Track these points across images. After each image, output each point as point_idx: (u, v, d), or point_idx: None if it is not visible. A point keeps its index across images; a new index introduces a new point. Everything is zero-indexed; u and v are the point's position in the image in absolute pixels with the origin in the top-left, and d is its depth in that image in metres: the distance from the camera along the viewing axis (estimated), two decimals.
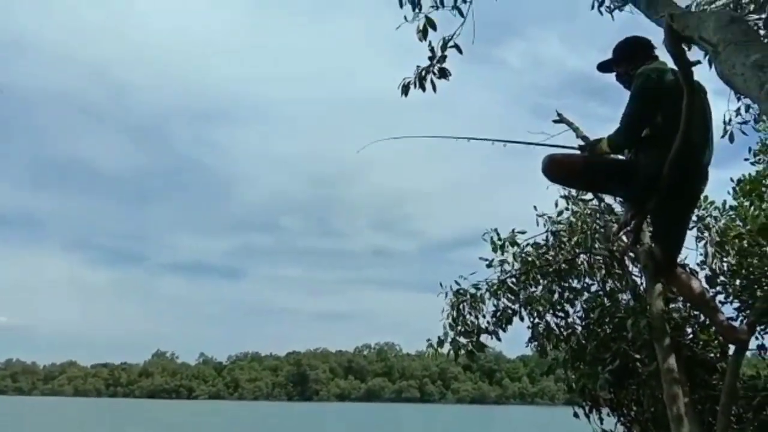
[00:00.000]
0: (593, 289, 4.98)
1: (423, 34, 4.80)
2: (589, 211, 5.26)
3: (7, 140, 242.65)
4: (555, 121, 4.78)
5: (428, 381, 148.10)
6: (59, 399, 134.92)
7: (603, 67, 4.00)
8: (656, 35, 3.59)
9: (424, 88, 5.10)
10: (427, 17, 4.78)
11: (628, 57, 3.79)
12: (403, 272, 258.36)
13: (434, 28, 4.84)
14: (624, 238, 4.44)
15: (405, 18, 4.78)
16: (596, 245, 4.97)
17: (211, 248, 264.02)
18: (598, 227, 4.98)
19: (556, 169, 3.75)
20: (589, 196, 5.23)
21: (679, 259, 3.94)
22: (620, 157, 3.86)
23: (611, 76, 3.94)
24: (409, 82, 5.08)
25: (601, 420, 4.49)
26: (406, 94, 5.15)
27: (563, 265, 5.18)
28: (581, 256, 5.24)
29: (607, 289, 4.84)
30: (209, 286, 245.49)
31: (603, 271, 4.92)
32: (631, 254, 4.43)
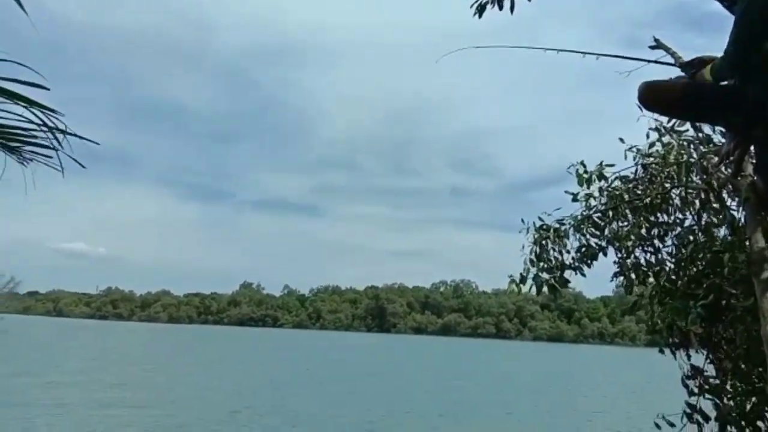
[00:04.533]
0: (686, 223, 4.75)
1: None
2: (684, 142, 4.97)
3: (100, 81, 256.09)
4: (651, 47, 4.47)
5: (505, 318, 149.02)
6: (156, 325, 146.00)
7: None
8: None
9: (501, 6, 4.87)
10: None
11: None
12: (480, 212, 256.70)
13: None
14: (723, 169, 4.18)
15: None
16: (692, 178, 4.71)
17: (292, 186, 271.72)
18: (694, 159, 4.71)
19: (654, 96, 3.53)
20: (684, 126, 4.92)
21: None
22: (724, 83, 3.59)
23: (710, 2, 3.62)
24: (485, 2, 4.87)
25: (689, 357, 4.38)
26: (480, 15, 4.93)
27: (654, 200, 4.96)
28: (675, 189, 4.99)
29: (702, 223, 4.60)
30: (291, 222, 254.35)
31: (698, 205, 4.67)
32: (731, 187, 4.18)
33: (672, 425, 3.99)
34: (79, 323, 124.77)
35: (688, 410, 4.02)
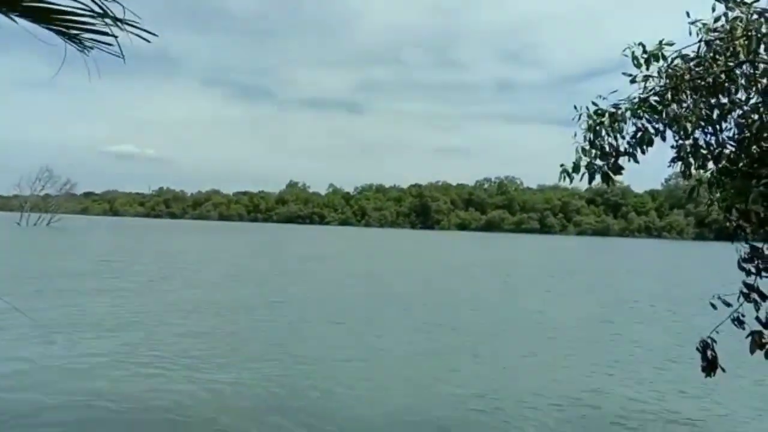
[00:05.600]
0: (752, 102, 4.51)
1: None
2: (754, 15, 4.61)
3: None
4: None
5: (549, 213, 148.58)
6: (208, 222, 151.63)
7: None
8: None
9: None
10: None
11: None
12: (527, 105, 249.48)
13: None
14: None
15: None
16: (760, 52, 4.42)
17: (335, 83, 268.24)
18: (764, 32, 4.39)
19: None
20: None
21: None
22: None
23: None
24: None
25: (746, 239, 4.33)
26: None
27: (718, 78, 4.70)
28: (740, 67, 4.71)
29: None
30: (334, 120, 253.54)
31: (765, 82, 4.41)
32: None
33: (728, 305, 4.02)
34: (137, 222, 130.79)
35: (745, 290, 4.03)
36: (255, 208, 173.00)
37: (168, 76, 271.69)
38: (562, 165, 5.18)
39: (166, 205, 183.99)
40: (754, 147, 4.27)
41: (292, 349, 13.16)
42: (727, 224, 4.72)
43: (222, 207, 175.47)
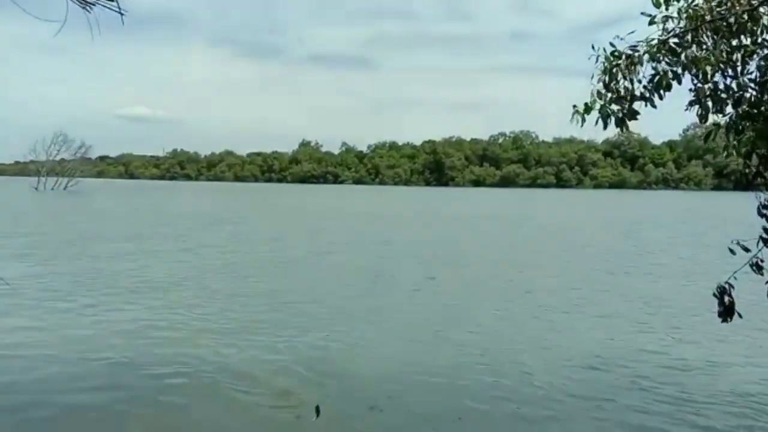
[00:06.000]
0: None
1: None
2: None
3: None
4: None
5: (565, 167, 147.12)
6: (223, 183, 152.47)
7: None
8: None
9: None
10: None
11: None
12: (541, 57, 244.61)
13: None
14: None
15: None
16: None
17: (345, 38, 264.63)
18: None
19: None
20: None
21: None
22: None
23: None
24: None
25: (767, 186, 4.24)
26: None
27: (740, 18, 4.53)
28: (764, 6, 4.52)
29: None
30: (346, 77, 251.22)
31: None
32: None
33: (747, 250, 3.97)
34: (155, 184, 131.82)
35: (765, 235, 3.96)
36: (269, 169, 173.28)
37: (177, 37, 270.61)
38: (574, 106, 5.02)
39: (181, 166, 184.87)
40: None
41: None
42: (747, 171, 4.62)
43: (236, 168, 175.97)
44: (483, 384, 8.87)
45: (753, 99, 4.38)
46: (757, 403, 8.31)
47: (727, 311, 4.44)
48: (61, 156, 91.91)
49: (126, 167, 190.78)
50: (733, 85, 4.58)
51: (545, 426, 7.21)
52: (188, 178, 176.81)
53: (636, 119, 5.04)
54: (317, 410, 6.31)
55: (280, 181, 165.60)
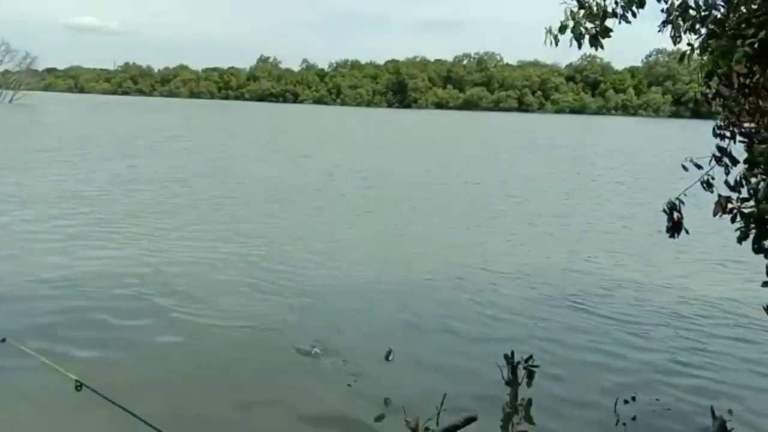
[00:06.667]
0: None
1: None
2: None
3: None
4: None
5: (528, 91, 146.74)
6: (180, 100, 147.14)
7: None
8: None
9: None
10: None
11: None
12: None
13: None
14: None
15: None
16: None
17: None
18: None
19: None
20: None
21: None
22: None
23: None
24: None
25: (725, 107, 4.35)
26: None
27: None
28: None
29: None
30: None
31: None
32: None
33: (699, 167, 4.12)
34: (107, 100, 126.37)
35: (718, 154, 4.11)
36: (226, 85, 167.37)
37: None
38: (547, 27, 4.98)
39: (134, 81, 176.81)
40: (743, 6, 4.16)
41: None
42: (707, 91, 4.71)
43: (191, 84, 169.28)
44: (425, 300, 9.23)
45: (720, 18, 4.42)
46: (692, 323, 8.90)
47: (674, 227, 4.62)
48: (4, 67, 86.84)
49: (75, 81, 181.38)
50: (701, 2, 4.60)
51: (485, 345, 7.53)
52: (141, 93, 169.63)
53: (609, 36, 5.03)
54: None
55: (237, 98, 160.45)
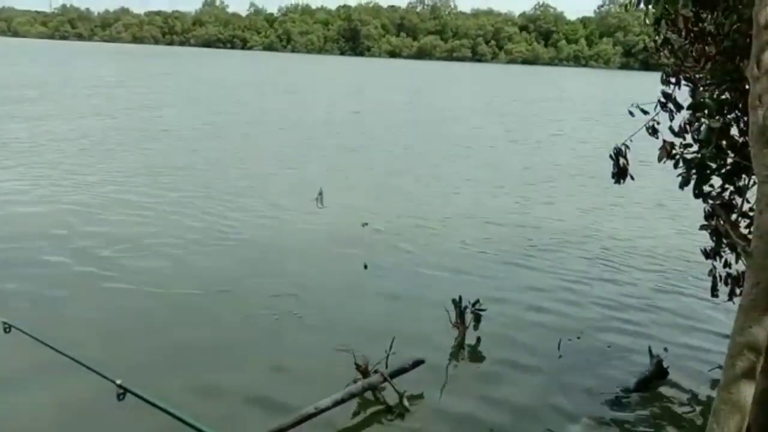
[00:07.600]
0: None
1: None
2: None
3: None
4: None
5: (481, 41, 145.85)
6: (121, 45, 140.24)
7: None
8: None
9: None
10: None
11: None
12: None
13: None
14: None
15: None
16: None
17: None
18: None
19: None
20: None
21: None
22: None
23: None
24: None
25: (673, 54, 4.40)
26: None
27: None
28: None
29: None
30: None
31: None
32: None
33: (645, 112, 4.17)
34: (43, 44, 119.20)
35: (663, 99, 4.17)
36: (170, 30, 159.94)
37: None
38: None
39: (72, 25, 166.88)
40: None
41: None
42: (656, 39, 4.74)
43: (134, 28, 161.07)
44: (386, 246, 9.31)
45: None
46: (629, 267, 9.25)
47: (620, 173, 4.72)
48: None
49: (8, 24, 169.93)
50: None
51: (437, 287, 7.68)
52: (80, 38, 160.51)
53: None
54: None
55: (182, 44, 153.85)
